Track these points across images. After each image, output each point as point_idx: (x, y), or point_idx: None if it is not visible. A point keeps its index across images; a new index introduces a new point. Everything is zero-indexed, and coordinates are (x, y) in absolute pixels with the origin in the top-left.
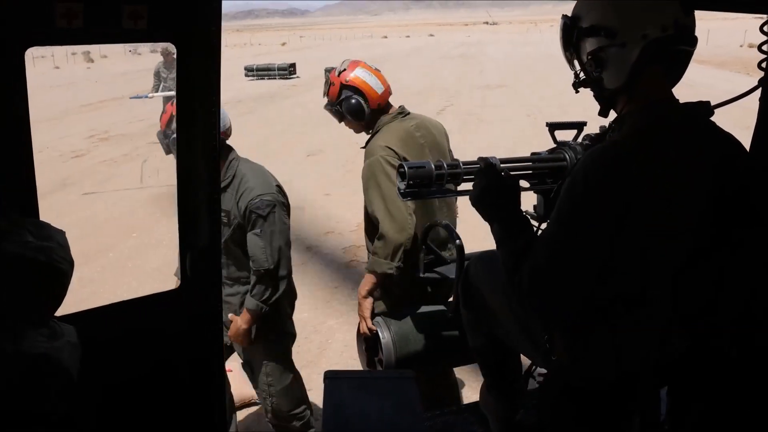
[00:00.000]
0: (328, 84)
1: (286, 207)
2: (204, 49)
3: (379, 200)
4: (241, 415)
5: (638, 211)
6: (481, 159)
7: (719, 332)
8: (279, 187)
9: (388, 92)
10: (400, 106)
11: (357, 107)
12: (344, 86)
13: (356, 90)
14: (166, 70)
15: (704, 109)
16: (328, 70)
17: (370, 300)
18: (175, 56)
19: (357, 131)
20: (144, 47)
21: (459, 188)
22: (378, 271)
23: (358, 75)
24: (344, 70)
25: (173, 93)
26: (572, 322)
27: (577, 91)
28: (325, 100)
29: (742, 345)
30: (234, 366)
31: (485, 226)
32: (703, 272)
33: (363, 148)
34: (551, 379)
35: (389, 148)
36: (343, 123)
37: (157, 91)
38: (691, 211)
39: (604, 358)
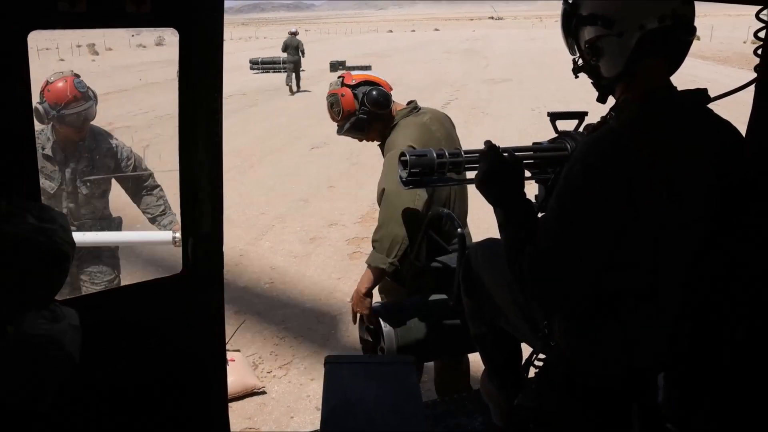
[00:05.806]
0: (337, 101)
1: None
2: (207, 34)
3: (390, 191)
4: (243, 404)
5: (642, 200)
6: (486, 142)
7: (730, 321)
8: None
9: (389, 87)
10: (412, 101)
11: (384, 95)
12: (356, 86)
13: (370, 83)
14: None
15: (701, 96)
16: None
17: (369, 299)
18: None
19: (378, 137)
20: (149, 39)
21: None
22: (373, 266)
23: (358, 73)
24: (342, 78)
25: None
26: (573, 311)
27: (576, 77)
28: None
29: (752, 331)
30: (237, 356)
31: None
32: (715, 261)
33: (380, 145)
34: (551, 367)
35: (412, 146)
36: (364, 139)
37: None
38: (698, 199)
39: (614, 354)
